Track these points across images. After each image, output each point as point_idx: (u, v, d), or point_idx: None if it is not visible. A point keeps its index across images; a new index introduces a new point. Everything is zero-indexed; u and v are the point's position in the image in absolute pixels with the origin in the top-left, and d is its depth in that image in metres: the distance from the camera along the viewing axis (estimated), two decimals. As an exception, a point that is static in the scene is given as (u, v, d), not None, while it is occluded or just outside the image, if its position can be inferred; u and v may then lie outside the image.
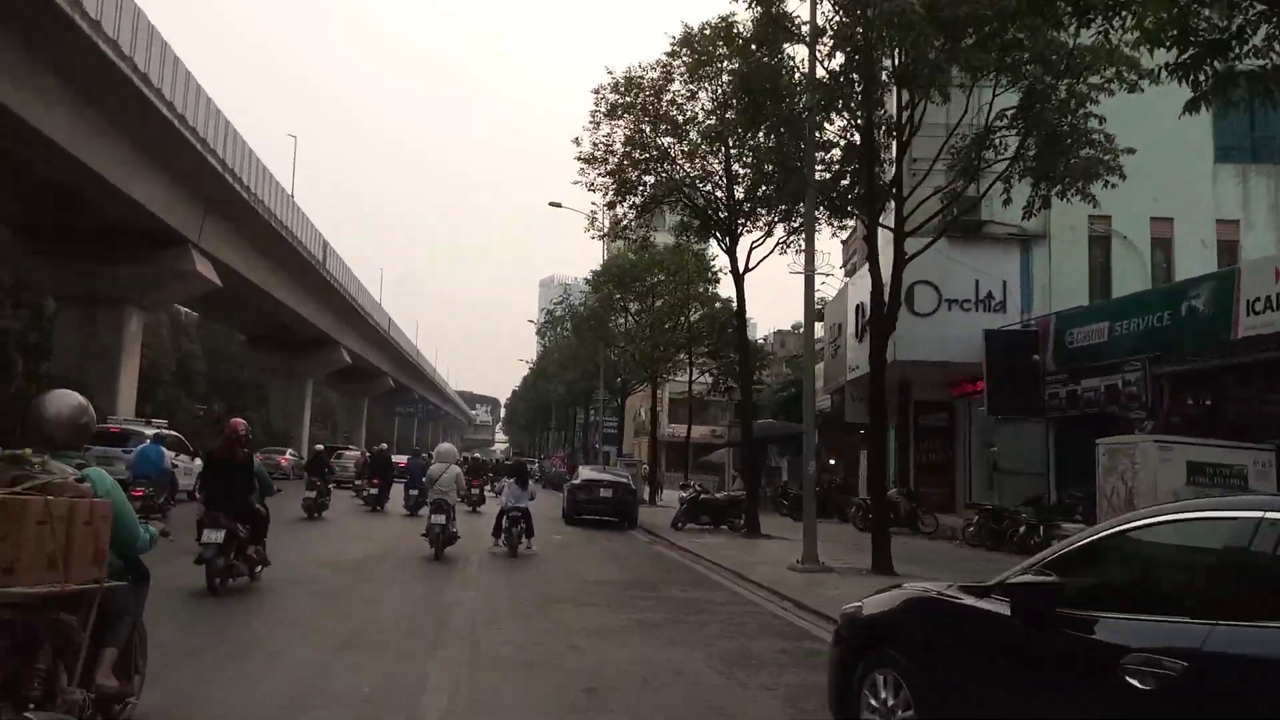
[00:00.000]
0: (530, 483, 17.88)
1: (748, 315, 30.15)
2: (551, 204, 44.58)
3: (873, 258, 16.55)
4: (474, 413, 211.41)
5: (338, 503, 23.89)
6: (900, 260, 15.73)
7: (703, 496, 23.59)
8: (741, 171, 22.52)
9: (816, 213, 18.48)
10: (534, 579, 13.35)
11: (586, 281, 38.14)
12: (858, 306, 27.47)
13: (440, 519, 14.58)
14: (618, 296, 35.75)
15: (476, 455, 44.16)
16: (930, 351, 23.23)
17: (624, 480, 26.30)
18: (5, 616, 3.43)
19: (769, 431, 35.94)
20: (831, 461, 34.96)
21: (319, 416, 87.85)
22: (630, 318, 36.09)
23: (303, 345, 59.63)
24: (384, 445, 28.99)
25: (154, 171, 30.00)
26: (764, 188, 21.22)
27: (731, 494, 24.58)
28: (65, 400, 4.33)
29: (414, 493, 22.33)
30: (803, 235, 19.71)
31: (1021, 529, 18.62)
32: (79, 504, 3.72)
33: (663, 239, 31.63)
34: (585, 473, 26.73)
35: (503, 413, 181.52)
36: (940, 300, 23.46)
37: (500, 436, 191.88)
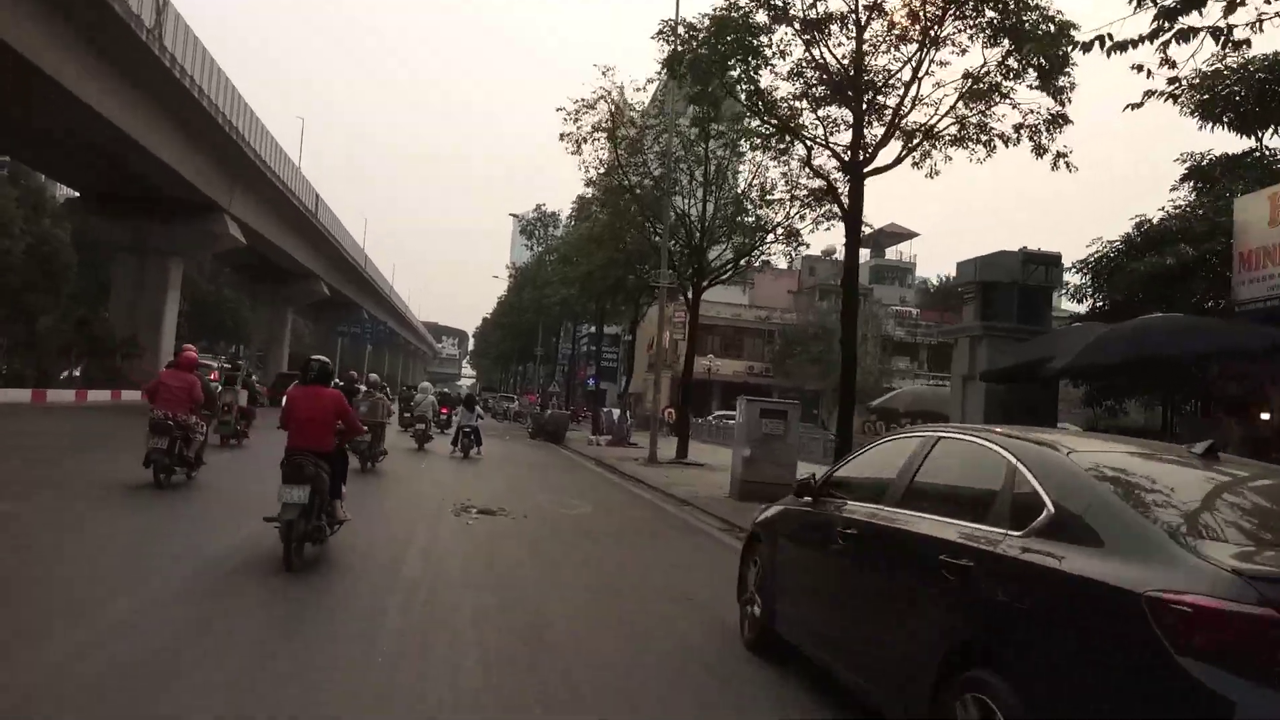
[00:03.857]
0: (477, 407, 21.98)
1: None
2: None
3: None
4: (440, 345, 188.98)
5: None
6: None
7: None
8: None
9: None
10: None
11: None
12: None
13: (421, 427, 22.24)
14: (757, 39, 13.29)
15: (445, 390, 43.37)
16: None
17: None
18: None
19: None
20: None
21: (225, 331, 64.66)
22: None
23: (163, 211, 36.56)
24: (426, 384, 30.61)
25: None
26: None
27: None
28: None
29: None
30: None
31: None
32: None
33: None
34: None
35: (471, 345, 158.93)
36: None
37: (468, 371, 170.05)
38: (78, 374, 35.40)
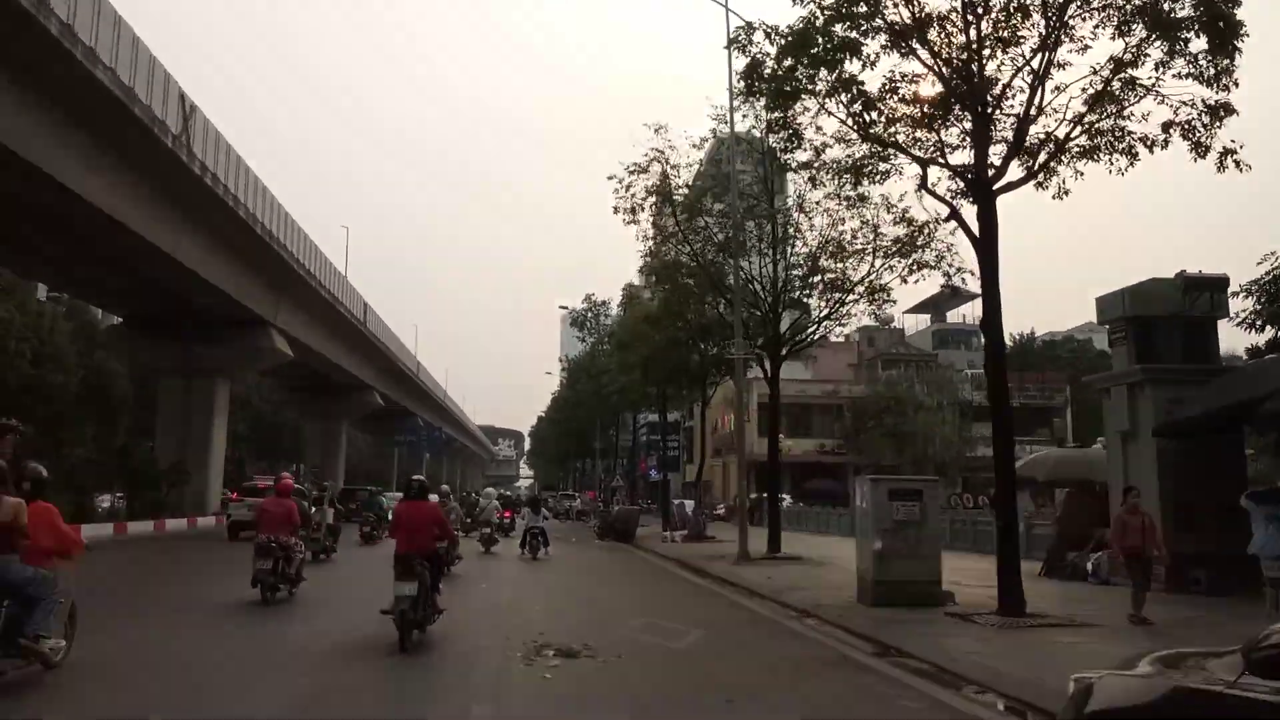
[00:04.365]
0: (542, 509, 22.97)
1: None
2: None
3: None
4: (496, 448, 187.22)
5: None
6: None
7: None
8: None
9: None
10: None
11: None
12: None
13: (487, 531, 23.08)
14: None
15: (507, 493, 44.65)
16: None
17: None
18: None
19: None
20: None
21: (284, 450, 63.17)
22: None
23: (207, 329, 35.19)
24: (490, 490, 33.64)
25: None
26: None
27: None
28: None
29: None
30: None
31: None
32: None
33: None
34: None
35: (527, 444, 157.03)
36: None
37: (525, 471, 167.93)
38: (121, 503, 33.49)
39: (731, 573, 17.57)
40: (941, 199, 11.80)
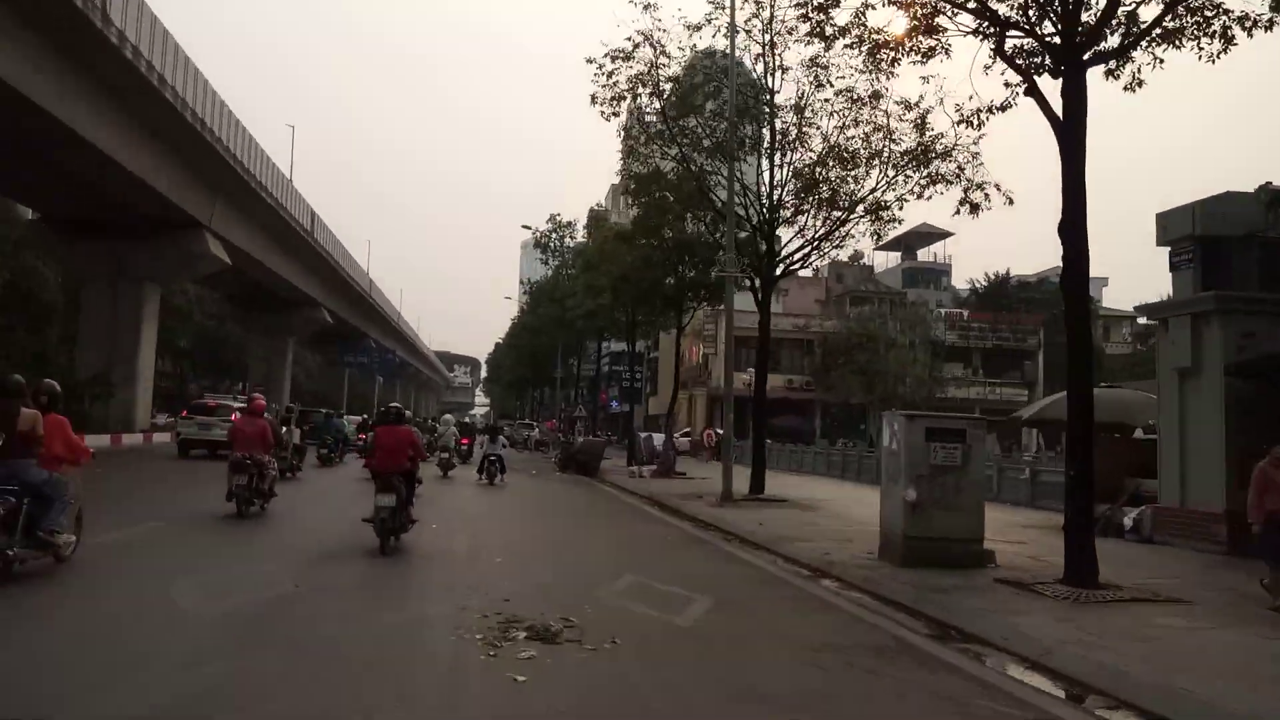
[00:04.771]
0: (500, 437, 23.67)
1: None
2: None
3: None
4: (452, 374, 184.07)
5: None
6: None
7: None
8: None
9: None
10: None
11: None
12: None
13: (445, 455, 23.57)
14: None
15: (465, 420, 44.94)
16: None
17: None
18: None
19: None
20: None
21: (227, 368, 59.92)
22: None
23: (135, 231, 31.94)
24: (448, 417, 30.21)
25: None
26: None
27: None
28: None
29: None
30: None
31: None
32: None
33: None
34: None
35: (484, 372, 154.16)
36: None
37: (481, 399, 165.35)
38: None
39: (716, 516, 15.57)
40: (1020, 70, 9.44)
